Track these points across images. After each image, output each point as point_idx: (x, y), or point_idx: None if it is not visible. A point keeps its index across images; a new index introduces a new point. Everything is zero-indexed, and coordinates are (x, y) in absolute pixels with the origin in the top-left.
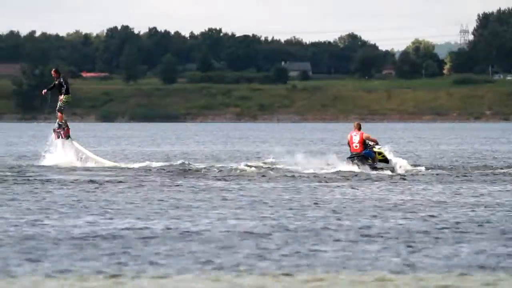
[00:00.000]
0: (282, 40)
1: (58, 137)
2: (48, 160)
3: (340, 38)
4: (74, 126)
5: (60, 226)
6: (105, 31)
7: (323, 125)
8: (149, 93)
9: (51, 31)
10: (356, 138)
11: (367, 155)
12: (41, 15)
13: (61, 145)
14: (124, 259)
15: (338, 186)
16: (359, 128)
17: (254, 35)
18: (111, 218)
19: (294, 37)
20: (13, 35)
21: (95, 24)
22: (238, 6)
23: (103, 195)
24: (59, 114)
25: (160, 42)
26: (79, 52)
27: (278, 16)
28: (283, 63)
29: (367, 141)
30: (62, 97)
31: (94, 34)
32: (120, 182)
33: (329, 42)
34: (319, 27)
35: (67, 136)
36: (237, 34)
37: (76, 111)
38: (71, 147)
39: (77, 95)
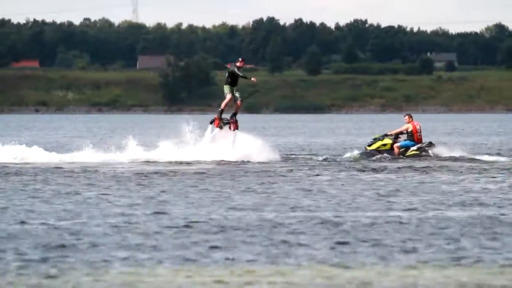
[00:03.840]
0: (428, 31)
1: (220, 127)
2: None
3: (487, 28)
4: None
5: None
6: (251, 22)
7: (469, 116)
8: (294, 84)
9: (198, 23)
10: (418, 128)
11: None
12: (188, 7)
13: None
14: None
15: None
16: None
17: (399, 26)
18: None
19: (440, 27)
20: (160, 27)
21: (241, 16)
22: None
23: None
24: (238, 102)
25: (305, 33)
26: (225, 44)
27: (423, 7)
28: (428, 54)
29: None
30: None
31: (240, 26)
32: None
33: (476, 33)
34: (465, 18)
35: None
36: (383, 25)
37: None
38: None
39: (221, 87)
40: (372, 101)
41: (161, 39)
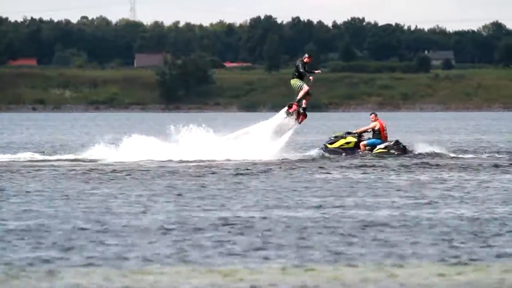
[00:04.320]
0: (425, 29)
1: (291, 114)
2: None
3: (484, 26)
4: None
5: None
6: (249, 20)
7: (465, 114)
8: None
9: (195, 21)
10: (385, 126)
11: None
12: (185, 5)
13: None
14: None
15: None
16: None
17: (397, 24)
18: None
19: (437, 25)
20: (157, 25)
21: (238, 14)
22: None
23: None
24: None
25: (303, 31)
26: (222, 42)
27: (421, 5)
28: (426, 52)
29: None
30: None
31: (237, 24)
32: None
33: (473, 31)
34: (463, 16)
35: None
36: (380, 23)
37: (219, 100)
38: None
39: (219, 85)
40: (370, 99)
41: (158, 37)
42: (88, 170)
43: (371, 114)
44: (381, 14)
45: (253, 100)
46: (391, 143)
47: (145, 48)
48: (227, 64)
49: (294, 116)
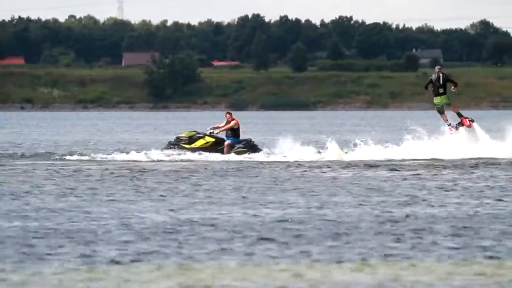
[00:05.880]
0: (413, 28)
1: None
2: None
3: (472, 25)
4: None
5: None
6: (236, 19)
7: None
8: (279, 81)
9: (183, 20)
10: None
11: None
12: (173, 4)
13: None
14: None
15: None
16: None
17: (384, 23)
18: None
19: (425, 24)
20: (145, 24)
21: (226, 13)
22: None
23: None
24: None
25: (291, 30)
26: (210, 41)
27: (408, 3)
28: (413, 50)
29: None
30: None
31: (225, 23)
32: None
33: (461, 29)
34: (450, 14)
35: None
36: (368, 22)
37: (207, 99)
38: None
39: (207, 83)
40: (358, 98)
41: (146, 36)
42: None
43: (226, 114)
44: (369, 12)
45: (241, 99)
46: (247, 141)
47: (133, 47)
48: (215, 63)
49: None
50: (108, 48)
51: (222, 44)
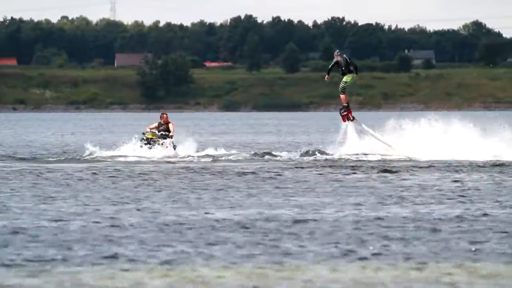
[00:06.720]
0: (406, 28)
1: (347, 120)
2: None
3: (465, 25)
4: (199, 115)
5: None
6: (229, 20)
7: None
8: (272, 82)
9: (175, 20)
10: None
11: None
12: (166, 5)
13: (352, 128)
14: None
15: None
16: None
17: (377, 24)
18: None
19: (417, 25)
20: (137, 25)
21: (219, 13)
22: None
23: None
24: (341, 95)
25: (283, 31)
26: (203, 41)
27: (401, 4)
28: (406, 51)
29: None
30: (345, 77)
31: (218, 24)
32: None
33: (453, 30)
34: (443, 15)
35: (352, 118)
36: (360, 23)
37: (200, 100)
38: (359, 129)
39: (200, 84)
40: (350, 99)
41: (139, 37)
42: None
43: (164, 114)
44: (361, 13)
45: (234, 100)
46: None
47: (125, 47)
48: (208, 64)
49: (350, 118)
50: (100, 49)
51: (215, 45)
